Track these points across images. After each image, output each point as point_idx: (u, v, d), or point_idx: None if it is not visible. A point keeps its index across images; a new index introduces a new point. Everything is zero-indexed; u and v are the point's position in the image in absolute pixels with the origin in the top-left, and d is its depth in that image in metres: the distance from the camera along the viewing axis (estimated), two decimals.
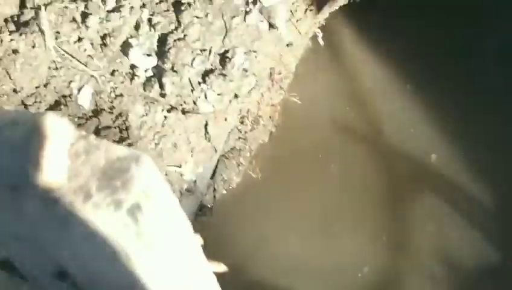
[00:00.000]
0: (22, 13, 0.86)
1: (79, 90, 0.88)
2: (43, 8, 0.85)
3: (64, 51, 0.86)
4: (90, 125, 0.88)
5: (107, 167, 0.37)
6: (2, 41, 0.86)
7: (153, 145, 0.93)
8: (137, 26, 0.89)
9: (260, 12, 0.94)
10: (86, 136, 0.38)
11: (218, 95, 0.95)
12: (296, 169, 1.12)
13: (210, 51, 0.93)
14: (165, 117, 0.93)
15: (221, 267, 0.60)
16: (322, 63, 1.19)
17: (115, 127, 0.90)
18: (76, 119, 0.88)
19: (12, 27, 0.86)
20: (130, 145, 0.89)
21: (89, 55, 0.87)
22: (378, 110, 1.17)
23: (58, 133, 0.36)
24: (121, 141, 0.91)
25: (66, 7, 0.85)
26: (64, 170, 0.37)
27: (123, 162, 0.37)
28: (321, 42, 1.14)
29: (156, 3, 0.89)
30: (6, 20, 0.86)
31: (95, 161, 0.39)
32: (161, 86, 0.92)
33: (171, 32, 0.90)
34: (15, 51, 0.86)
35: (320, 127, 1.15)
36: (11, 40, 0.86)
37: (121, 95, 0.89)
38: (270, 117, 1.13)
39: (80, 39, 0.87)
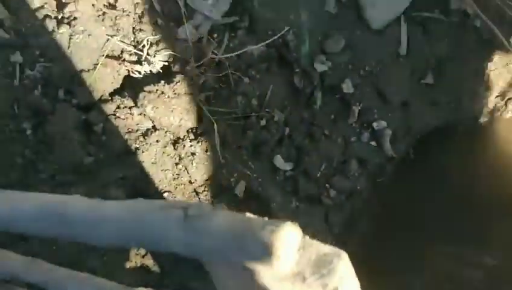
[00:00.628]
0: (199, 126, 1.19)
1: (236, 183, 1.16)
2: (215, 124, 1.17)
3: (228, 155, 1.16)
4: (243, 209, 1.15)
5: (317, 259, 0.59)
6: (184, 146, 1.19)
7: None
8: (280, 140, 1.18)
9: (370, 134, 1.18)
10: (303, 236, 0.61)
11: (338, 193, 1.17)
12: None
13: (333, 159, 1.17)
14: (297, 206, 1.16)
15: None
16: None
17: (259, 211, 1.15)
18: (232, 204, 1.16)
19: (192, 136, 1.19)
20: None
21: (245, 159, 1.16)
22: None
23: (294, 236, 0.60)
24: None
25: (232, 124, 1.17)
26: (293, 261, 0.60)
27: (328, 256, 0.59)
28: None
29: (296, 124, 1.18)
30: (188, 131, 1.19)
31: (308, 254, 0.61)
32: (296, 184, 1.17)
33: (305, 144, 1.17)
34: (193, 154, 1.18)
35: None
36: (191, 145, 1.18)
37: (267, 188, 1.16)
38: None
39: (239, 147, 1.17)
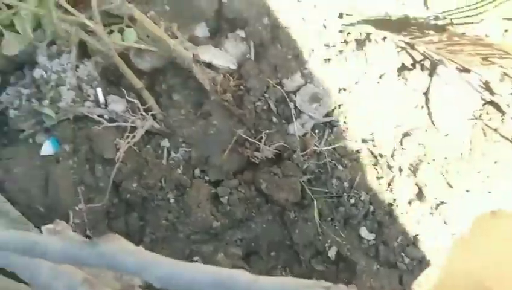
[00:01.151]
0: (302, 201, 1.52)
1: (329, 248, 1.47)
2: (315, 200, 1.49)
3: (324, 226, 1.48)
4: (334, 269, 1.46)
5: None
6: (289, 216, 1.51)
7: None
8: (365, 215, 1.49)
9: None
10: None
11: (411, 260, 1.47)
12: None
13: (407, 233, 1.47)
14: (378, 269, 1.46)
15: None
16: None
17: (347, 272, 1.46)
18: (326, 265, 1.47)
19: (296, 208, 1.51)
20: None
21: (337, 229, 1.48)
22: None
23: None
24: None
25: (328, 201, 1.49)
26: None
27: None
28: None
29: (378, 204, 1.49)
30: (292, 204, 1.52)
31: None
32: (377, 251, 1.47)
33: (385, 220, 1.48)
34: (296, 222, 1.50)
35: None
36: (295, 216, 1.51)
37: (354, 253, 1.46)
38: None
39: (332, 219, 1.48)
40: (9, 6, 1.48)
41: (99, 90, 1.52)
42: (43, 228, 1.35)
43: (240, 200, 1.50)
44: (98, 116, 1.50)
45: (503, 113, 1.54)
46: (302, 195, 1.52)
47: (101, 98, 1.52)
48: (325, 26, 1.54)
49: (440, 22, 1.50)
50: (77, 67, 1.52)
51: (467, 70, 1.50)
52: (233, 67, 1.52)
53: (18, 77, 1.55)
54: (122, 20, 1.50)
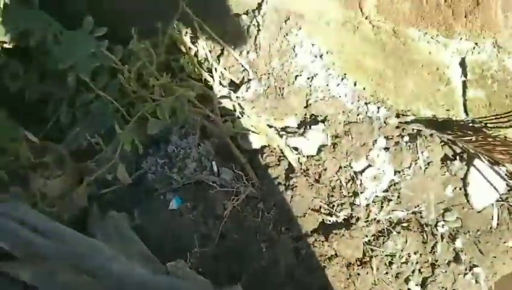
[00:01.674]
0: (364, 257, 1.96)
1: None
2: (373, 257, 1.93)
3: (380, 278, 1.92)
4: None
5: None
6: (353, 269, 1.96)
7: None
8: (413, 271, 1.92)
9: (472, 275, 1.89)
10: None
11: None
12: None
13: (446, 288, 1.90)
14: None
15: None
16: None
17: None
18: None
19: (358, 263, 1.96)
20: None
21: (390, 283, 1.91)
22: None
23: None
24: None
25: (384, 259, 1.93)
26: None
27: None
28: None
29: (422, 263, 1.92)
30: (356, 260, 1.97)
31: None
32: None
33: (428, 276, 1.91)
34: (359, 274, 1.95)
35: None
36: (358, 272, 1.96)
37: None
38: None
39: (386, 273, 1.92)
40: (154, 100, 2.05)
41: (214, 163, 2.04)
42: (168, 264, 1.86)
43: (315, 253, 1.97)
44: (212, 182, 2.02)
45: None
46: (364, 252, 1.97)
47: (215, 169, 2.04)
48: (386, 123, 2.02)
49: (477, 125, 1.95)
50: (199, 145, 2.06)
51: (497, 163, 1.94)
52: (314, 152, 2.02)
53: (155, 150, 2.11)
54: (234, 113, 2.04)
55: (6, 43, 2.11)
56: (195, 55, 2.16)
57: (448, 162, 1.98)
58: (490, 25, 1.78)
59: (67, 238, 1.64)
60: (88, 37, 2.13)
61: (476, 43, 1.88)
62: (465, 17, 1.83)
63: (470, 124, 1.97)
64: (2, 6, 2.05)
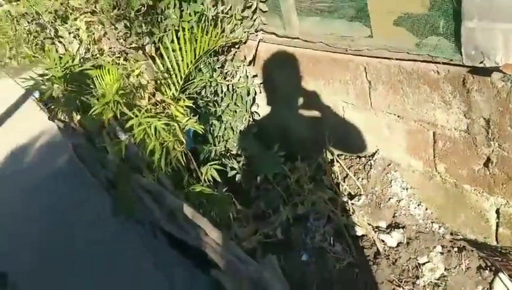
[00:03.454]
0: None
1: None
2: None
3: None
4: None
5: None
6: None
7: None
8: None
9: None
10: None
11: None
12: None
13: None
14: None
15: None
16: None
17: None
18: None
19: None
20: None
21: None
22: None
23: None
24: None
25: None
26: None
27: None
28: None
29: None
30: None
31: None
32: None
33: None
34: None
35: None
36: None
37: None
38: None
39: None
40: (303, 195, 3.65)
41: (332, 239, 3.49)
42: None
43: None
44: (329, 250, 3.44)
45: None
46: None
47: (332, 242, 3.48)
48: (443, 237, 3.26)
49: (503, 251, 3.06)
50: (324, 226, 3.55)
51: None
52: (394, 245, 3.33)
53: (300, 223, 3.66)
54: (349, 211, 3.50)
55: None
56: (332, 175, 3.75)
57: (481, 270, 3.07)
58: None
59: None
60: (274, 155, 3.91)
61: (507, 201, 3.07)
62: (502, 185, 3.07)
63: (499, 249, 3.08)
64: None
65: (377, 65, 3.12)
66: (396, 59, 2.95)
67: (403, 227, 3.37)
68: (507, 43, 2.18)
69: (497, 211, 3.08)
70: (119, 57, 4.03)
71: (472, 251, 3.15)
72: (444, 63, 2.63)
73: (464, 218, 3.25)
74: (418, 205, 3.41)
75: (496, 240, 3.13)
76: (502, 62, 2.24)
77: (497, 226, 3.12)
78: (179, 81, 3.58)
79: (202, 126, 3.35)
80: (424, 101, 2.91)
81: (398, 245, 3.32)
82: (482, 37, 2.27)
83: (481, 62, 2.32)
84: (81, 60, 4.07)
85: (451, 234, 3.28)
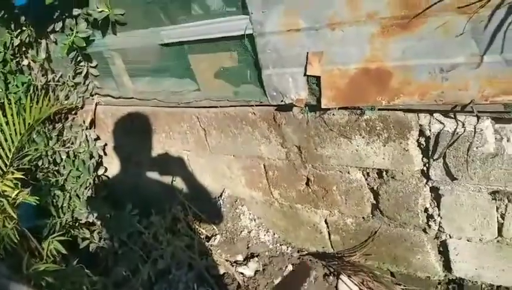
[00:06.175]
0: None
1: None
2: None
3: None
4: None
5: None
6: None
7: None
8: None
9: None
10: None
11: None
12: None
13: None
14: None
15: None
16: None
17: None
18: None
19: None
20: None
21: None
22: None
23: None
24: None
25: None
26: None
27: None
28: None
29: None
30: None
31: None
32: None
33: None
34: None
35: None
36: None
37: None
38: None
39: None
40: (162, 249, 3.68)
41: (195, 285, 3.55)
42: None
43: None
44: None
45: None
46: None
47: (195, 288, 3.54)
48: (292, 256, 3.64)
49: (339, 255, 3.57)
50: (186, 274, 3.60)
51: (349, 276, 3.50)
52: (252, 274, 3.57)
53: (162, 278, 3.64)
54: (208, 252, 3.64)
55: None
56: (187, 222, 3.88)
57: (327, 277, 3.52)
58: (334, 206, 3.58)
59: None
60: (128, 215, 3.87)
61: (330, 211, 3.64)
62: (323, 198, 3.63)
63: (336, 255, 3.59)
64: None
65: (207, 114, 3.48)
66: (221, 106, 3.34)
67: (257, 255, 3.65)
68: (295, 82, 2.73)
69: (326, 222, 3.62)
70: None
71: (317, 261, 3.59)
72: (257, 105, 3.10)
73: (303, 234, 3.70)
74: (267, 232, 3.76)
75: (332, 247, 3.64)
76: (295, 98, 2.77)
77: (329, 234, 3.65)
78: (7, 154, 3.35)
79: (38, 199, 3.16)
80: (250, 139, 3.34)
81: (255, 273, 3.57)
82: (277, 80, 2.78)
83: (282, 100, 2.80)
84: None
85: (298, 251, 3.69)
